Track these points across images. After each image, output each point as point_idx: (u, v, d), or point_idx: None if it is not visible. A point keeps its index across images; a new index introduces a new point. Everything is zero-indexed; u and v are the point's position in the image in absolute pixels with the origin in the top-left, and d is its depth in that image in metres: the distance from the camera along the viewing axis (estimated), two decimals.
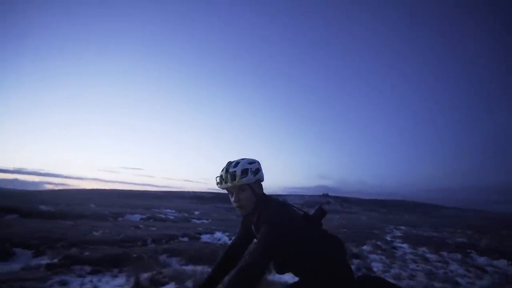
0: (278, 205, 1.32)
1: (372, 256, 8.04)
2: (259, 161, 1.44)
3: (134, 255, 5.78)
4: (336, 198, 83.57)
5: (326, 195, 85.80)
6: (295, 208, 1.41)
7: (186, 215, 26.22)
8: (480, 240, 13.60)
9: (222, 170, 1.36)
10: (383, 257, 7.98)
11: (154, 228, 13.79)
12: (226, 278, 1.21)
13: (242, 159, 1.39)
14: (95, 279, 4.46)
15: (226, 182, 1.33)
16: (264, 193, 1.41)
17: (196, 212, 32.68)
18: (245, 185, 1.33)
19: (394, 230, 18.66)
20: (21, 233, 7.88)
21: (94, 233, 9.32)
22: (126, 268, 5.09)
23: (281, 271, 1.37)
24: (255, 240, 1.38)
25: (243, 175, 1.31)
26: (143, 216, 20.04)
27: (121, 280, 4.53)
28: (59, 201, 24.97)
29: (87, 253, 5.69)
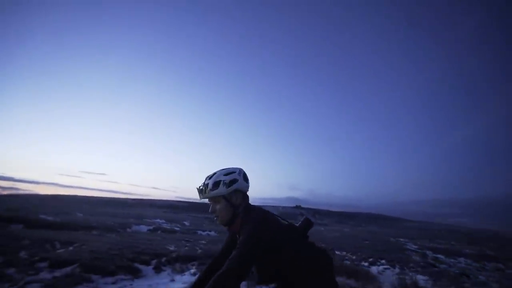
0: (259, 214, 1.30)
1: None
2: (241, 169, 1.43)
3: None
4: (308, 209, 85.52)
5: (299, 207, 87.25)
6: (278, 218, 1.39)
7: (185, 225, 25.80)
8: (485, 251, 15.92)
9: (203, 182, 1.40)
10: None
11: (198, 241, 13.74)
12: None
13: (221, 169, 1.39)
14: None
15: (201, 194, 1.37)
16: (248, 203, 1.40)
17: (186, 223, 32.18)
18: (219, 197, 1.34)
19: (408, 243, 20.39)
20: (97, 249, 7.80)
21: (168, 247, 9.42)
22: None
23: (264, 282, 1.35)
24: None
25: (214, 188, 1.33)
26: (150, 227, 19.57)
27: None
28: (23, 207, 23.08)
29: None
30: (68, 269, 5.07)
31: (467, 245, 21.98)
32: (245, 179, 1.41)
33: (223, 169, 1.39)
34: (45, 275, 4.92)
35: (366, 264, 9.33)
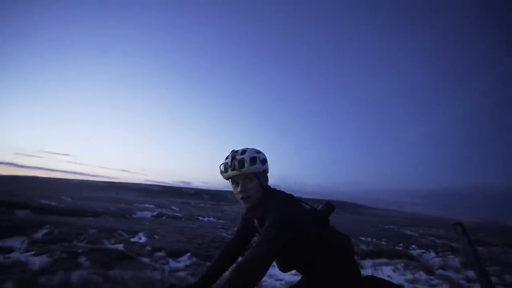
0: (285, 197, 1.25)
1: None
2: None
3: None
4: None
5: None
6: (301, 202, 1.30)
7: (178, 211, 25.77)
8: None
9: (227, 158, 1.28)
10: None
11: (216, 227, 14.05)
12: (226, 274, 1.19)
13: (248, 148, 1.29)
14: None
15: (233, 170, 1.26)
16: (269, 185, 1.30)
17: (175, 208, 32.10)
18: (252, 175, 1.27)
19: (404, 230, 22.26)
20: (173, 238, 8.00)
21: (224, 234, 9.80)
22: None
23: (285, 268, 1.27)
24: (257, 235, 1.32)
25: (252, 163, 1.26)
26: (154, 213, 19.45)
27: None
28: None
29: None
30: (185, 257, 5.38)
31: (443, 232, 24.97)
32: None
33: (249, 148, 1.29)
34: (175, 264, 5.28)
35: (400, 248, 10.57)
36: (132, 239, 7.21)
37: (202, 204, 58.22)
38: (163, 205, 32.55)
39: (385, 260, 6.98)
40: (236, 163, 1.26)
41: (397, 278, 5.00)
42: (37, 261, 4.23)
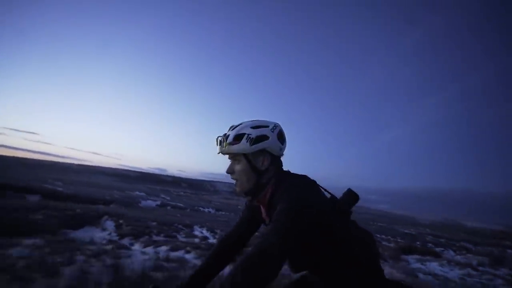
0: (302, 181, 0.96)
1: None
2: (277, 125, 1.03)
3: None
4: None
5: None
6: (322, 189, 1.00)
7: (166, 199, 25.61)
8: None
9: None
10: None
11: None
12: (227, 270, 0.86)
13: (251, 120, 1.03)
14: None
15: (219, 146, 1.01)
16: (281, 170, 1.03)
17: (165, 196, 31.77)
18: (240, 155, 0.98)
19: (396, 228, 23.83)
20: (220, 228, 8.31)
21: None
22: None
23: (297, 268, 1.02)
24: (264, 226, 1.07)
25: (234, 141, 0.97)
26: (158, 203, 19.29)
27: None
28: None
29: None
30: None
31: (430, 231, 27.34)
32: (280, 138, 1.03)
33: (253, 120, 1.03)
34: None
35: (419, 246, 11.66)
36: (194, 232, 7.50)
37: (182, 193, 57.64)
38: (152, 193, 32.04)
39: (417, 256, 8.03)
40: (221, 139, 1.02)
41: (451, 274, 5.92)
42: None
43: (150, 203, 18.90)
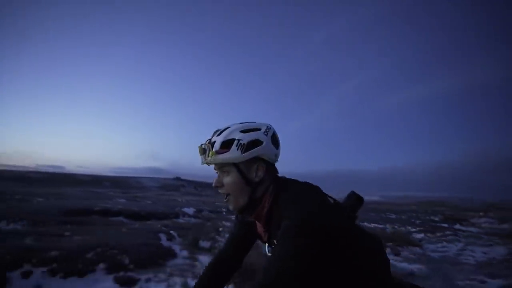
0: (307, 190, 0.79)
1: None
2: (270, 127, 0.89)
3: None
4: (189, 182, 78.19)
5: (178, 178, 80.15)
6: (326, 197, 0.84)
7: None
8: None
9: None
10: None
11: None
12: None
13: (240, 123, 0.87)
14: None
15: (203, 156, 0.85)
16: (277, 178, 0.88)
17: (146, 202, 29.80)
18: (230, 165, 0.83)
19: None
20: None
21: None
22: None
23: None
24: (267, 249, 0.90)
25: (222, 149, 0.82)
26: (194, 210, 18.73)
27: None
28: None
29: None
30: None
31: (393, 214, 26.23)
32: (275, 142, 0.87)
33: (242, 123, 0.87)
34: None
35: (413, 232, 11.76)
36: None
37: (112, 193, 51.67)
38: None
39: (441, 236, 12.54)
40: (205, 147, 0.84)
41: (492, 253, 7.00)
42: None
43: (187, 210, 17.93)
